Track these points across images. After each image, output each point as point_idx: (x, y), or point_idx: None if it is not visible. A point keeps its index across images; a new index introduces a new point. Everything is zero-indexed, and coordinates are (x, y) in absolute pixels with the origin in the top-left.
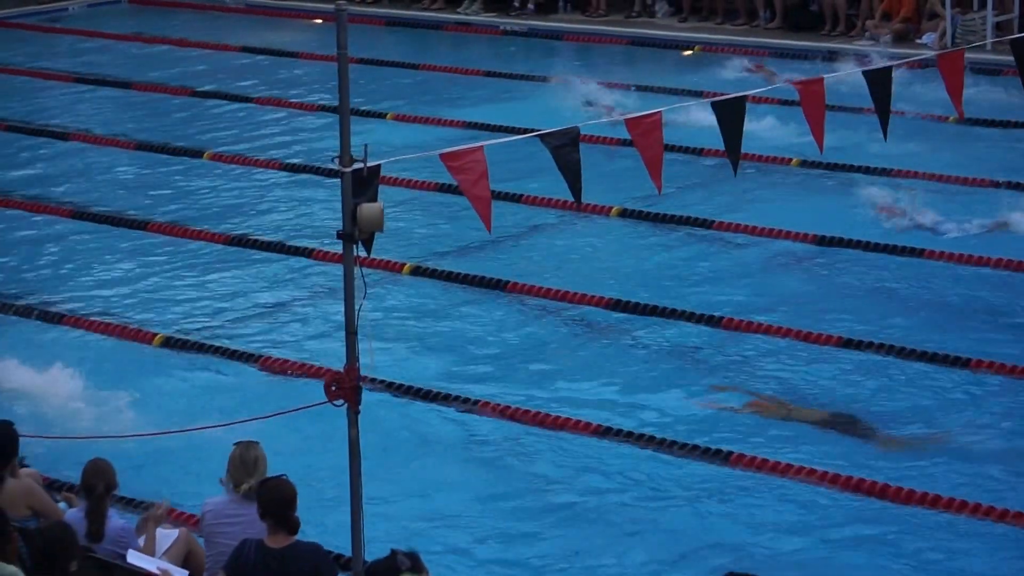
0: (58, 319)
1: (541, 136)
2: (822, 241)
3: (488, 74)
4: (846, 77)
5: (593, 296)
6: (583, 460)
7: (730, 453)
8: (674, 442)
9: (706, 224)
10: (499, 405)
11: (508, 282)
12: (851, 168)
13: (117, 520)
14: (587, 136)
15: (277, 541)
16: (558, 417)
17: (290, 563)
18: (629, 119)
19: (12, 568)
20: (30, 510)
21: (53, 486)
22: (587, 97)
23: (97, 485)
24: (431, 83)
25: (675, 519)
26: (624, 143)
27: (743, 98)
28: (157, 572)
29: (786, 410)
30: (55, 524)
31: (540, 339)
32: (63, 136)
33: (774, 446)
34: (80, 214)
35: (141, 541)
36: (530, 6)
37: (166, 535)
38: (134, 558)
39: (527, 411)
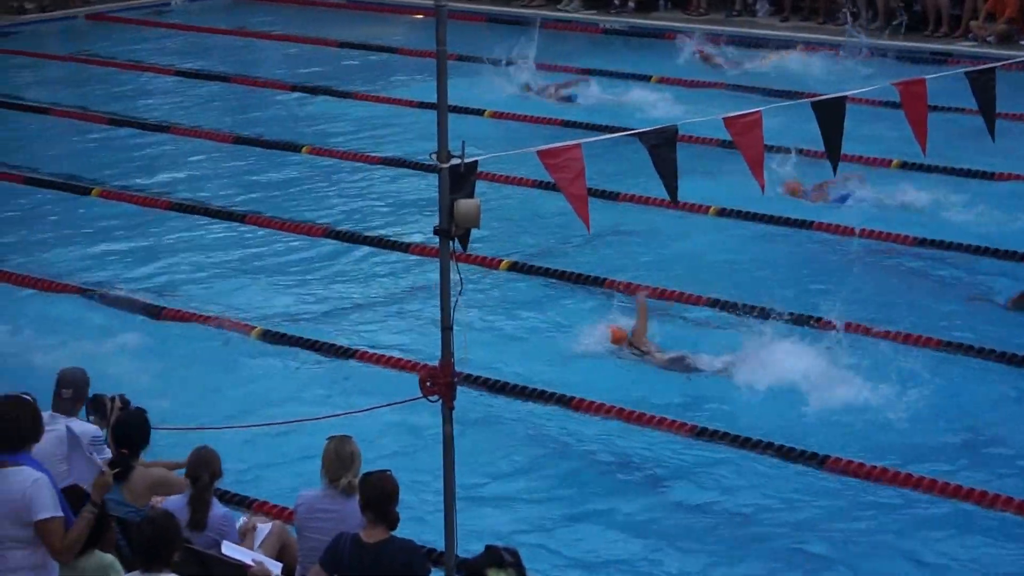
0: (158, 312)
1: (638, 135)
2: (923, 243)
3: (587, 72)
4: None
5: (691, 295)
6: (681, 460)
7: (826, 457)
8: (770, 444)
9: (804, 224)
10: (595, 403)
11: (605, 279)
12: (954, 171)
13: (219, 508)
14: (685, 135)
15: (373, 536)
16: (654, 416)
17: (384, 558)
18: (728, 118)
19: (109, 557)
20: (152, 499)
21: None
22: (683, 96)
23: (203, 474)
24: (532, 80)
25: (767, 523)
26: (724, 143)
27: (843, 98)
28: (251, 564)
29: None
30: (161, 514)
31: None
32: (163, 129)
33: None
34: (178, 206)
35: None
36: (630, 4)
37: (260, 528)
38: (229, 549)
39: (622, 409)
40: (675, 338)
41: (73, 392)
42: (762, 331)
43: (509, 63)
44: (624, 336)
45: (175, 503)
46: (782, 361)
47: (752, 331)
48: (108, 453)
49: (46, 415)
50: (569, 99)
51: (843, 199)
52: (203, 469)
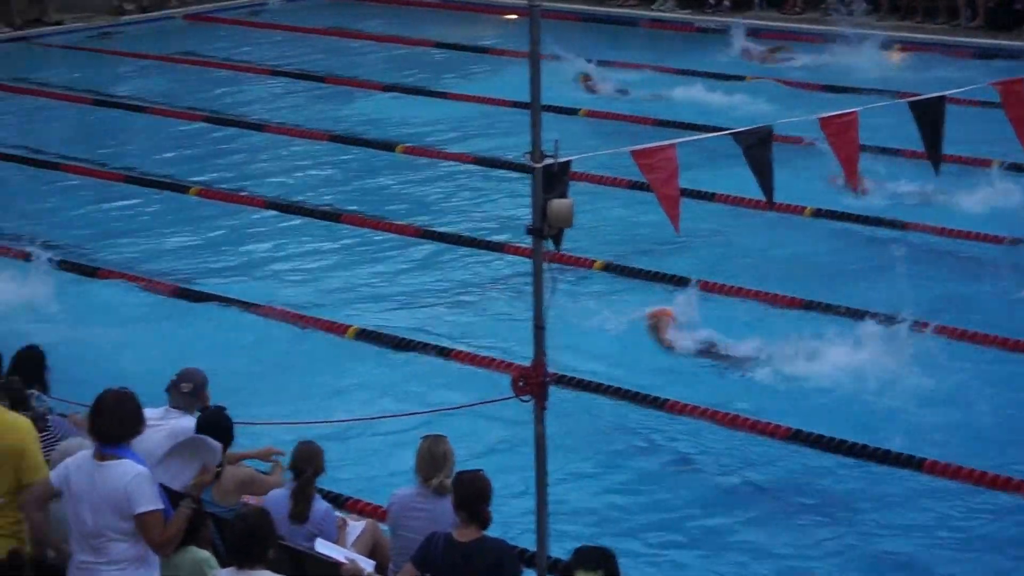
0: (254, 309)
1: (734, 135)
2: (1019, 243)
3: (681, 72)
4: None
5: (783, 296)
6: (775, 464)
7: (922, 460)
8: (864, 447)
9: (899, 225)
10: (687, 405)
11: (699, 280)
12: None
13: (321, 503)
14: (779, 135)
15: (465, 535)
16: (747, 419)
17: (475, 557)
18: (823, 118)
19: (205, 553)
20: (241, 497)
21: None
22: (778, 96)
23: (306, 469)
24: (623, 80)
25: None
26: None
27: (942, 98)
28: (345, 561)
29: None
30: (256, 510)
31: (729, 339)
32: (259, 128)
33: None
34: (274, 205)
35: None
36: (726, 3)
37: (354, 526)
38: (323, 547)
39: (716, 412)
40: (764, 338)
41: (192, 387)
42: (854, 333)
43: (603, 63)
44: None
45: (277, 496)
46: (875, 364)
47: (843, 333)
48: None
49: (160, 410)
50: (624, 92)
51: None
52: (307, 463)
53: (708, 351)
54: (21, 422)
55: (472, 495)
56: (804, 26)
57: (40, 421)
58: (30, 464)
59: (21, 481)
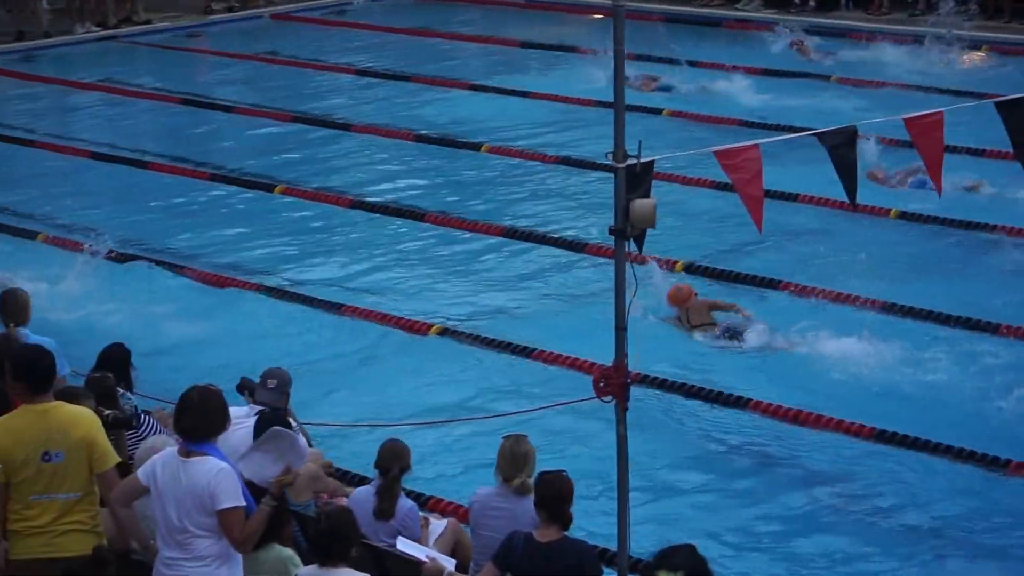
0: (337, 308)
1: (818, 135)
2: None
3: (765, 72)
4: None
5: (866, 298)
6: (855, 464)
7: (1008, 461)
8: (938, 445)
9: (988, 228)
10: (770, 404)
11: (780, 281)
12: None
13: (406, 501)
14: (865, 135)
15: (546, 535)
16: (831, 419)
17: (556, 558)
18: (908, 118)
19: (288, 551)
20: (314, 494)
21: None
22: (860, 96)
23: (393, 467)
24: (707, 80)
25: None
26: (903, 143)
27: None
28: (426, 560)
29: None
30: (340, 509)
31: (811, 341)
32: (345, 127)
33: None
34: (359, 204)
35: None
36: (811, 3)
37: (435, 525)
38: (404, 545)
39: (799, 411)
40: (843, 340)
41: (277, 385)
42: (936, 335)
43: (686, 62)
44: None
45: (362, 493)
46: (955, 365)
47: (926, 336)
48: (304, 443)
49: (245, 408)
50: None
51: (921, 184)
52: (394, 461)
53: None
54: (84, 413)
55: (554, 495)
56: (890, 27)
57: (134, 419)
58: (100, 453)
59: (93, 471)
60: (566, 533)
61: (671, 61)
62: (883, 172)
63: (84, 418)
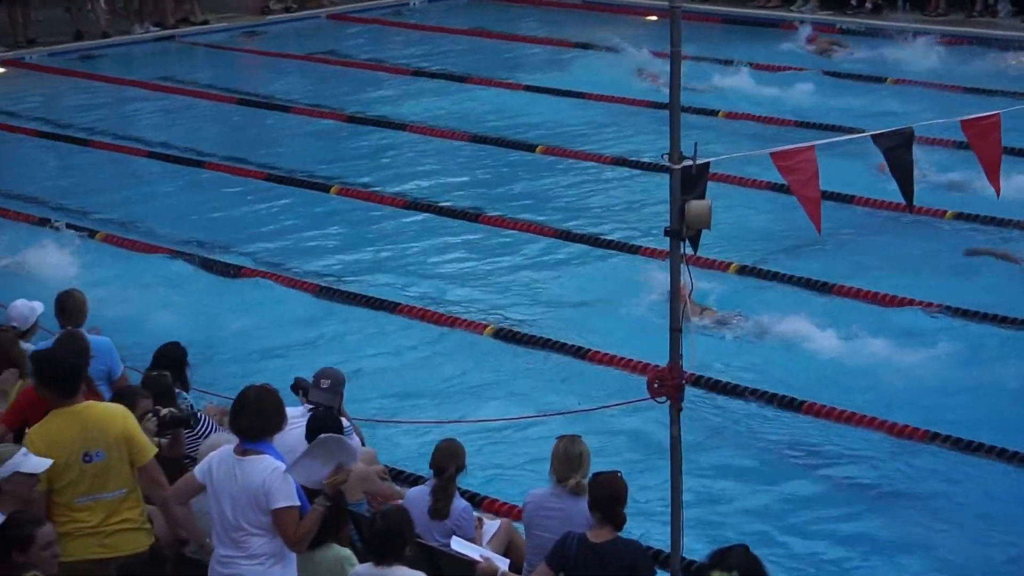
0: (392, 308)
1: (874, 137)
2: None
3: (824, 73)
4: None
5: (922, 301)
6: (908, 466)
7: None
8: (992, 447)
9: None
10: (823, 406)
11: (834, 285)
12: None
13: (460, 501)
14: (920, 137)
15: (600, 536)
16: (884, 420)
17: (609, 558)
18: (965, 120)
19: (346, 551)
20: (365, 495)
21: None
22: (916, 98)
23: (449, 466)
24: (763, 81)
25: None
26: (960, 145)
27: None
28: (480, 560)
29: None
30: (395, 508)
31: (867, 343)
32: (401, 127)
33: None
34: (414, 205)
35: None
36: (867, 4)
37: (489, 525)
38: (458, 545)
39: (852, 413)
40: (900, 344)
41: (331, 385)
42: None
43: (742, 64)
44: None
45: (417, 493)
46: (1012, 367)
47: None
48: (357, 442)
49: (300, 408)
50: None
51: None
52: (450, 461)
53: (849, 352)
54: (117, 409)
55: (608, 496)
56: (948, 28)
57: (191, 418)
58: (138, 447)
59: (134, 465)
60: (619, 534)
61: (727, 62)
62: None
63: (118, 414)
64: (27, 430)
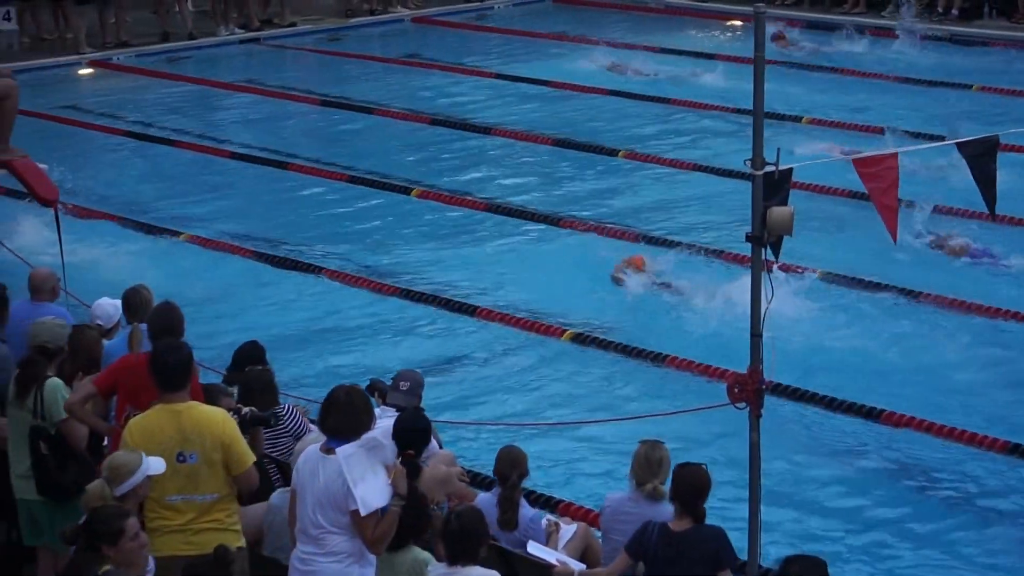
0: (471, 311)
1: (958, 144)
2: None
3: (905, 80)
4: None
5: (1007, 310)
6: (986, 476)
7: None
8: None
9: None
10: (903, 416)
11: (920, 292)
12: None
13: (528, 510)
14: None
15: (680, 526)
16: (964, 432)
17: (690, 545)
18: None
19: (426, 554)
20: (445, 496)
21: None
22: (1001, 106)
23: (511, 474)
24: (846, 87)
25: None
26: None
27: None
28: (556, 563)
29: None
30: (470, 509)
31: (946, 353)
32: (484, 130)
33: None
34: (494, 207)
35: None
36: (954, 11)
37: (566, 530)
38: (534, 548)
39: (931, 424)
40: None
41: (410, 386)
42: None
43: (827, 69)
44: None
45: (484, 501)
46: None
47: None
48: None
49: (376, 410)
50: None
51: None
52: (512, 468)
53: (928, 362)
54: (219, 414)
55: (690, 488)
56: None
57: (271, 417)
58: (237, 455)
59: (231, 473)
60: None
61: (809, 67)
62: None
63: (218, 419)
64: (129, 421)
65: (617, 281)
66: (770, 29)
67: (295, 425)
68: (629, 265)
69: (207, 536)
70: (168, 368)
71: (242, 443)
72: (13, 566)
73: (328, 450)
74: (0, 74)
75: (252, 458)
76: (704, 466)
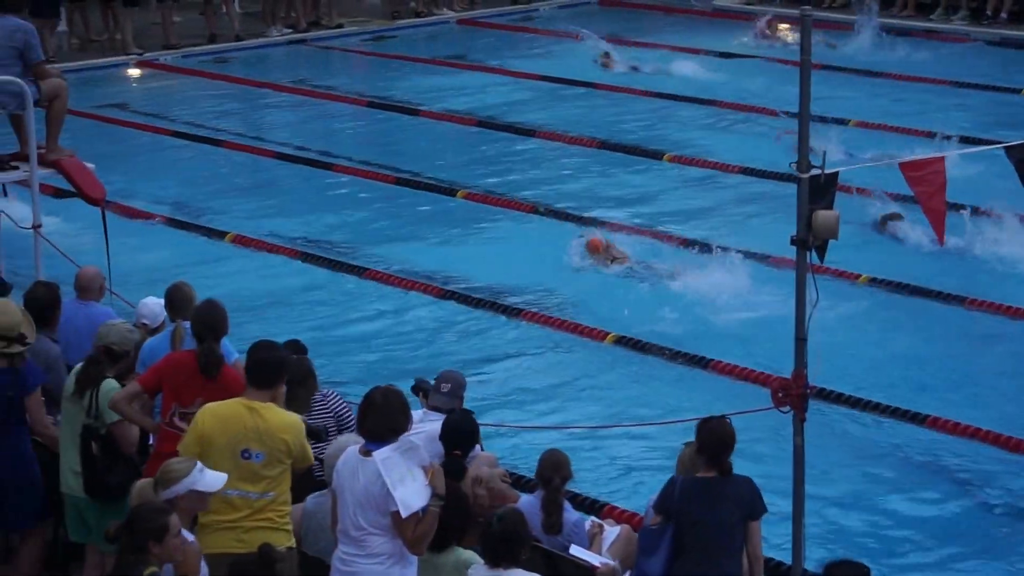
0: (516, 313)
1: (1006, 148)
2: None
3: (955, 84)
4: None
5: None
6: None
7: None
8: None
9: None
10: (948, 421)
11: (965, 298)
12: None
13: (572, 514)
14: None
15: (707, 475)
16: (1011, 438)
17: (718, 491)
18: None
19: (469, 553)
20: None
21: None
22: None
23: (554, 477)
24: (894, 91)
25: None
26: None
27: None
28: (599, 566)
29: None
30: (512, 511)
31: (993, 359)
32: (529, 133)
33: None
34: (538, 209)
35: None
36: (1003, 15)
37: (609, 532)
38: (576, 550)
39: (978, 429)
40: None
41: (451, 388)
42: None
43: (872, 73)
44: (601, 246)
45: (527, 503)
46: None
47: None
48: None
49: (419, 413)
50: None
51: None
52: (554, 472)
53: (978, 368)
54: (294, 422)
55: (716, 442)
56: None
57: (323, 433)
58: (300, 460)
59: (295, 471)
60: None
61: (857, 71)
62: None
63: (293, 426)
64: (205, 404)
65: (593, 259)
66: (760, 23)
67: (337, 406)
68: (594, 249)
69: (258, 534)
70: (260, 364)
71: (307, 450)
72: (60, 563)
73: (366, 452)
74: (50, 74)
75: (312, 461)
76: (727, 418)
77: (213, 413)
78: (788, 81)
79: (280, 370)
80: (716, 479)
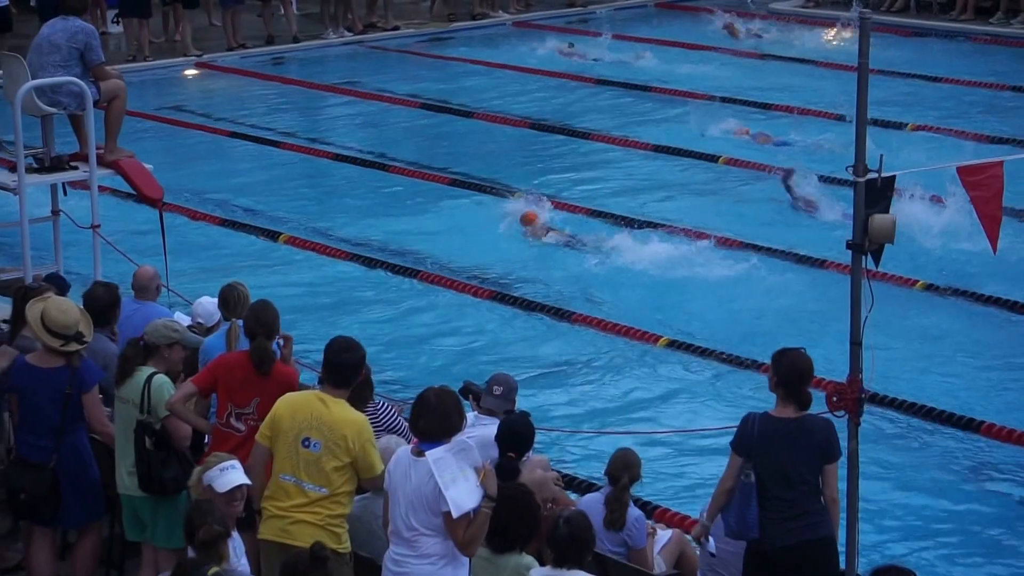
0: (567, 317)
1: None
2: None
3: (1015, 89)
4: None
5: None
6: None
7: None
8: None
9: None
10: (1003, 428)
11: (1019, 303)
12: None
13: (634, 510)
14: None
15: (784, 413)
16: None
17: (798, 430)
18: None
19: (529, 559)
20: (542, 500)
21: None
22: None
23: (623, 476)
24: (955, 95)
25: None
26: None
27: None
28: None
29: None
30: (579, 515)
31: None
32: (585, 136)
33: None
34: (591, 212)
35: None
36: None
37: (661, 536)
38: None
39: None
40: None
41: (503, 391)
42: None
43: (930, 78)
44: (535, 219)
45: (590, 501)
46: None
47: None
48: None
49: (471, 416)
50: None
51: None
52: (624, 471)
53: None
54: (358, 420)
55: (793, 373)
56: None
57: None
58: (364, 464)
59: (360, 476)
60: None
61: (917, 76)
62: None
63: (357, 423)
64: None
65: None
66: (724, 19)
67: (388, 418)
68: (528, 223)
69: (302, 529)
70: (337, 363)
71: (373, 453)
72: (116, 560)
73: (419, 452)
74: (109, 75)
75: (381, 468)
76: (803, 349)
77: (288, 399)
78: (847, 84)
79: (358, 369)
80: (793, 421)
